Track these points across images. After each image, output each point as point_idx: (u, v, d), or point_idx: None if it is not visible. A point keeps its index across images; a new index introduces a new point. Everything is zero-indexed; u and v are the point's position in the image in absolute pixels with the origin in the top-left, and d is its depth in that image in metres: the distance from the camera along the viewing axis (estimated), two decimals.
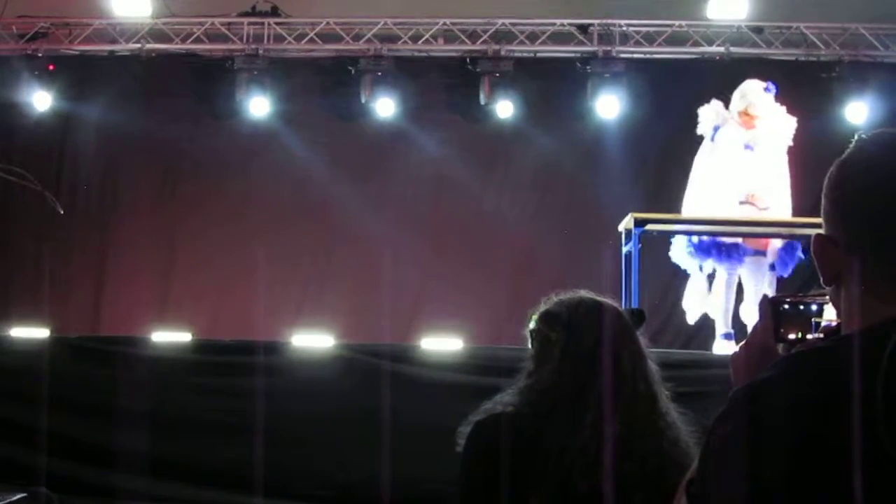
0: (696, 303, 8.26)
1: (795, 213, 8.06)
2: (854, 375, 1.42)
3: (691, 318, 8.33)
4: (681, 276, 8.46)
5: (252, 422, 6.17)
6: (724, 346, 7.87)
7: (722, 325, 8.02)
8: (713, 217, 8.00)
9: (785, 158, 8.15)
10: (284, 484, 6.28)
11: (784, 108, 8.18)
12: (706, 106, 8.26)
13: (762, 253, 8.06)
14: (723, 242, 7.97)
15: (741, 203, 7.99)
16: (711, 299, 8.17)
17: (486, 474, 2.66)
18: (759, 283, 8.00)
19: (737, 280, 8.04)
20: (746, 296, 8.03)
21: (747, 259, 8.01)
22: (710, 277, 8.24)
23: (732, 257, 7.95)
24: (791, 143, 8.15)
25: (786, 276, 8.12)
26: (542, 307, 2.89)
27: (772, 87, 8.09)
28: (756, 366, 1.72)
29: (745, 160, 7.98)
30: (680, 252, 8.16)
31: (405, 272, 10.77)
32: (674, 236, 8.22)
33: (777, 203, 8.05)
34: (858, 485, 1.37)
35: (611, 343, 2.75)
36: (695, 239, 8.06)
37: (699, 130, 8.29)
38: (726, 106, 8.18)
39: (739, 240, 8.02)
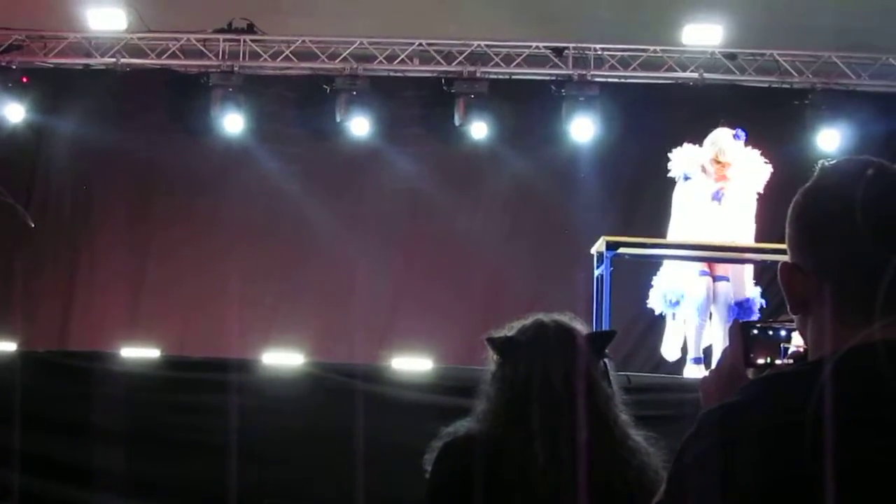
0: (672, 347, 8.28)
1: (767, 240, 8.06)
2: (824, 401, 1.42)
3: (670, 358, 8.35)
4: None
5: (221, 439, 6.14)
6: (694, 371, 7.89)
7: (692, 350, 8.03)
8: (685, 242, 8.03)
9: (753, 206, 8.11)
10: (252, 502, 6.24)
11: (758, 153, 8.13)
12: (678, 150, 8.23)
13: (725, 278, 8.08)
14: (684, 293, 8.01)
15: (701, 273, 8.03)
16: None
17: (451, 501, 2.66)
18: (725, 308, 8.04)
19: (708, 307, 8.05)
20: (713, 320, 8.07)
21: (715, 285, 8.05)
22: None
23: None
24: (761, 191, 8.13)
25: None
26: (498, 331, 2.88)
27: (741, 133, 8.05)
28: (725, 390, 1.73)
29: (709, 216, 7.99)
30: (657, 301, 8.17)
31: (377, 291, 10.76)
32: (652, 286, 8.20)
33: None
34: None
35: (543, 367, 2.72)
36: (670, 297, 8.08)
37: (671, 174, 8.27)
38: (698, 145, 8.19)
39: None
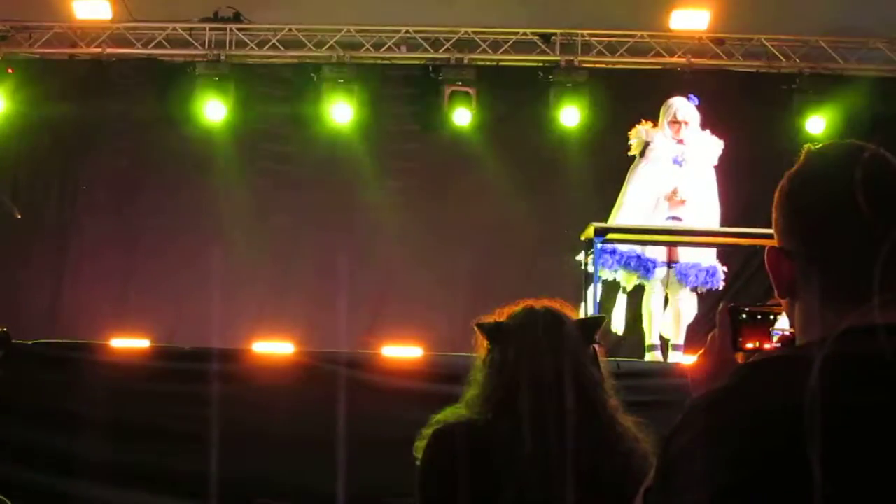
0: (617, 315, 8.35)
1: (753, 225, 8.11)
2: (816, 386, 1.42)
3: (617, 330, 8.39)
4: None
5: (210, 429, 6.13)
6: (652, 358, 8.05)
7: (649, 337, 8.16)
8: (671, 227, 8.07)
9: (713, 175, 8.32)
10: (242, 492, 6.24)
11: (708, 132, 8.37)
12: (635, 128, 8.37)
13: (677, 264, 8.15)
14: (640, 255, 8.06)
15: (668, 218, 8.10)
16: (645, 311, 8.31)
17: (442, 488, 2.66)
18: (682, 292, 8.10)
19: (662, 291, 8.15)
20: (668, 308, 8.17)
21: (659, 271, 8.10)
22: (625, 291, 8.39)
23: (648, 269, 8.05)
24: (716, 164, 8.31)
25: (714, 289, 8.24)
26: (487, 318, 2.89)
27: (694, 97, 8.37)
28: (714, 375, 1.73)
29: (673, 174, 8.10)
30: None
31: (366, 279, 10.74)
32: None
33: (704, 211, 8.16)
34: (817, 493, 1.37)
35: (532, 353, 2.73)
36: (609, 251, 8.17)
37: (631, 152, 8.40)
38: (654, 125, 8.32)
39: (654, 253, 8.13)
